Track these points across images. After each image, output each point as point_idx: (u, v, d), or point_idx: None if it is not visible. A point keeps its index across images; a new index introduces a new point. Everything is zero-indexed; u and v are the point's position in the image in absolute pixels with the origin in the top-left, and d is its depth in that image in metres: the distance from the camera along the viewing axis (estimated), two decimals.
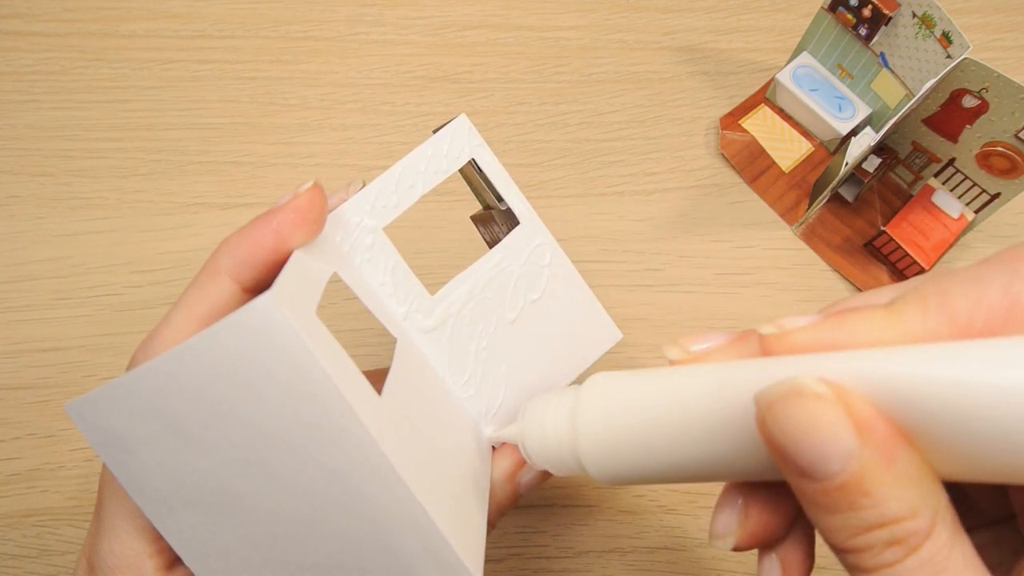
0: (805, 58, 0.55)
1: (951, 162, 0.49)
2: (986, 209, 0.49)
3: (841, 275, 0.51)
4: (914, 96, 0.46)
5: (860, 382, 0.19)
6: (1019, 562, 0.21)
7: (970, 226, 0.50)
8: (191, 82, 0.55)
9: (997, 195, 0.48)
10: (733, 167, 0.54)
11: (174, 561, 0.26)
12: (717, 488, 0.44)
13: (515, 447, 0.32)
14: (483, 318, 0.31)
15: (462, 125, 0.30)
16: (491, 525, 0.30)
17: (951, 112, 0.47)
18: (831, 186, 0.49)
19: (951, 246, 0.50)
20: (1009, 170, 0.46)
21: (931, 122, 0.49)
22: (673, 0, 0.61)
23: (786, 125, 0.56)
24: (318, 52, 0.57)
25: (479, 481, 0.29)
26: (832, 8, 0.51)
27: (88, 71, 0.55)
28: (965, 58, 0.44)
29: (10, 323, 0.47)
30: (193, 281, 0.27)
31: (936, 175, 0.51)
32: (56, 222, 0.50)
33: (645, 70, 0.58)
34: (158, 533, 0.25)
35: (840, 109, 0.54)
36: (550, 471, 0.28)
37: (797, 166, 0.54)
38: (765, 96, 0.57)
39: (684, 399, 0.23)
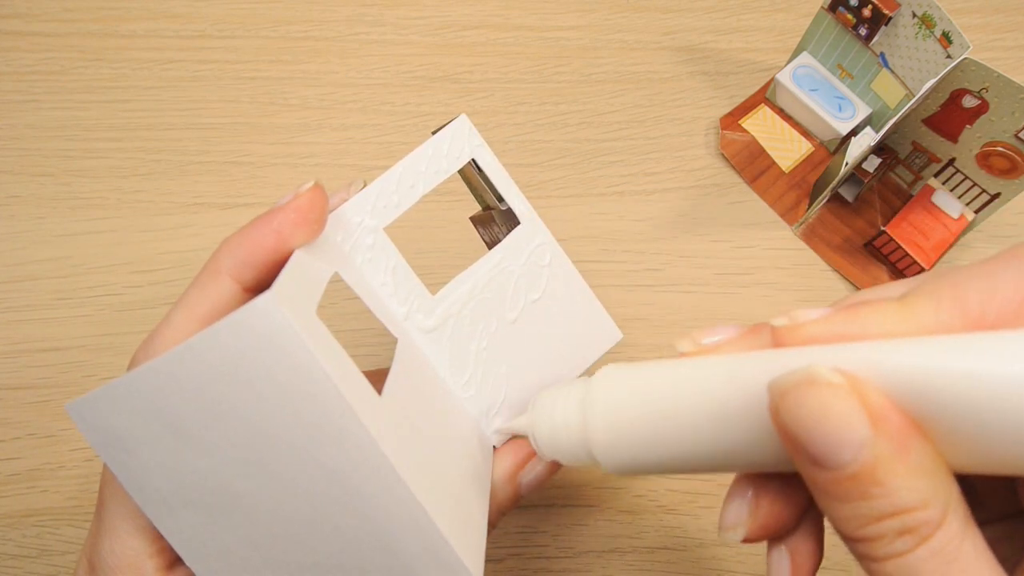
0: (805, 58, 0.55)
1: (951, 162, 0.49)
2: (986, 209, 0.49)
3: (841, 275, 0.51)
4: (914, 96, 0.46)
5: (873, 373, 0.19)
6: None
7: (970, 226, 0.50)
8: (191, 82, 0.55)
9: (997, 195, 0.48)
10: (733, 167, 0.54)
11: (175, 561, 0.26)
12: (718, 488, 0.44)
13: (516, 447, 0.32)
14: (484, 318, 0.31)
15: (462, 125, 0.30)
16: (492, 525, 0.30)
17: (951, 112, 0.47)
18: (831, 186, 0.49)
19: (951, 246, 0.50)
20: (1009, 170, 0.46)
21: (931, 122, 0.49)
22: (673, 0, 0.61)
23: (786, 125, 0.56)
24: (318, 52, 0.57)
25: (480, 481, 0.29)
26: (832, 8, 0.51)
27: (88, 71, 0.55)
28: (965, 58, 0.44)
29: (10, 323, 0.47)
30: (194, 281, 0.27)
31: (936, 175, 0.51)
32: (56, 222, 0.50)
33: (645, 70, 0.58)
34: (159, 533, 0.25)
35: (840, 109, 0.54)
36: (560, 462, 0.28)
37: (797, 166, 0.54)
38: (765, 96, 0.57)
39: (696, 389, 0.23)
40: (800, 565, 0.24)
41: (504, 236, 0.31)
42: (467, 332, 0.31)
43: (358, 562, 0.24)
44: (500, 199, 0.31)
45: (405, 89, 0.56)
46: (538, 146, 0.54)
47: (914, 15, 0.47)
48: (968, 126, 0.47)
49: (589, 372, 0.29)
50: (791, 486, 0.24)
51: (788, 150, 0.55)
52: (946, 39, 0.45)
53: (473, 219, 0.37)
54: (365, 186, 0.29)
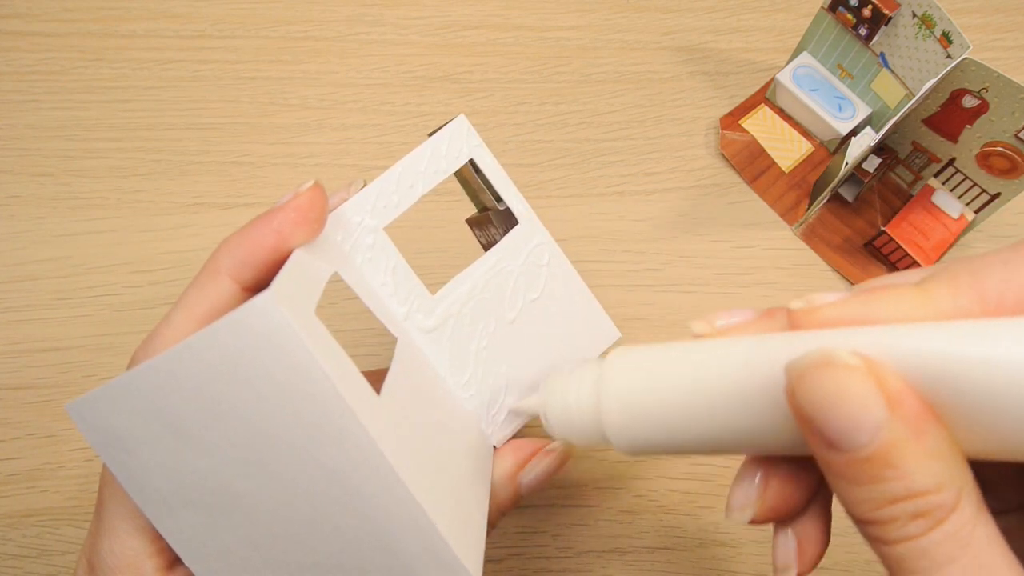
0: (805, 58, 0.55)
1: (951, 162, 0.49)
2: (986, 209, 0.49)
3: (841, 275, 0.51)
4: (914, 96, 0.46)
5: (890, 356, 0.19)
6: None
7: (970, 226, 0.50)
8: (191, 82, 0.55)
9: (997, 195, 0.48)
10: (733, 167, 0.54)
11: (174, 561, 0.26)
12: (718, 488, 0.44)
13: (516, 447, 0.32)
14: (483, 318, 0.31)
15: (461, 125, 0.30)
16: (491, 525, 0.30)
17: (951, 112, 0.47)
18: (831, 186, 0.49)
19: (951, 246, 0.50)
20: (1009, 170, 0.46)
21: (931, 122, 0.49)
22: (673, 0, 0.61)
23: (786, 125, 0.56)
24: (318, 52, 0.57)
25: (480, 481, 0.29)
26: (832, 8, 0.51)
27: (88, 71, 0.55)
28: (965, 58, 0.44)
29: (10, 323, 0.47)
30: (193, 281, 0.27)
31: (936, 175, 0.51)
32: (56, 222, 0.50)
33: (645, 70, 0.58)
34: (158, 533, 0.25)
35: (840, 109, 0.54)
36: (570, 442, 0.28)
37: (797, 166, 0.54)
38: (765, 96, 0.57)
39: (711, 370, 0.23)
40: (806, 549, 0.24)
41: (501, 237, 0.31)
42: (467, 332, 0.31)
43: (358, 562, 0.24)
44: (498, 199, 0.31)
45: (405, 89, 0.56)
46: (538, 146, 0.54)
47: (914, 15, 0.47)
48: (968, 126, 0.47)
49: None
50: (800, 469, 0.24)
51: (788, 150, 0.55)
52: (946, 39, 0.45)
53: (469, 221, 0.37)
54: (365, 186, 0.29)
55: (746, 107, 0.56)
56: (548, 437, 0.32)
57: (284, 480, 0.23)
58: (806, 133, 0.56)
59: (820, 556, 0.24)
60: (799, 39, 0.55)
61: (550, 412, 0.28)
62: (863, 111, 0.54)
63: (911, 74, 0.49)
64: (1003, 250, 0.20)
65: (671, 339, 0.25)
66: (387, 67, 0.57)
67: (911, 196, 0.52)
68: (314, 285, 0.25)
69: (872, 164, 0.51)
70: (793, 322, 0.22)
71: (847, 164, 0.48)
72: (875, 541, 0.19)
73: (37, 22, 0.57)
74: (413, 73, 0.57)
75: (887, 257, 0.51)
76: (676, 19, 0.60)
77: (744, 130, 0.55)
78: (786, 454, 0.23)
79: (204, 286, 0.26)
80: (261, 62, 0.57)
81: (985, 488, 0.19)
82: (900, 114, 0.45)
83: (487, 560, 0.41)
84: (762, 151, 0.55)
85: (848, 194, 0.53)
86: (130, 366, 0.26)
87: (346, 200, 0.29)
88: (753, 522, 0.24)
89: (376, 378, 0.25)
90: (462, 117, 0.30)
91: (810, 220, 0.52)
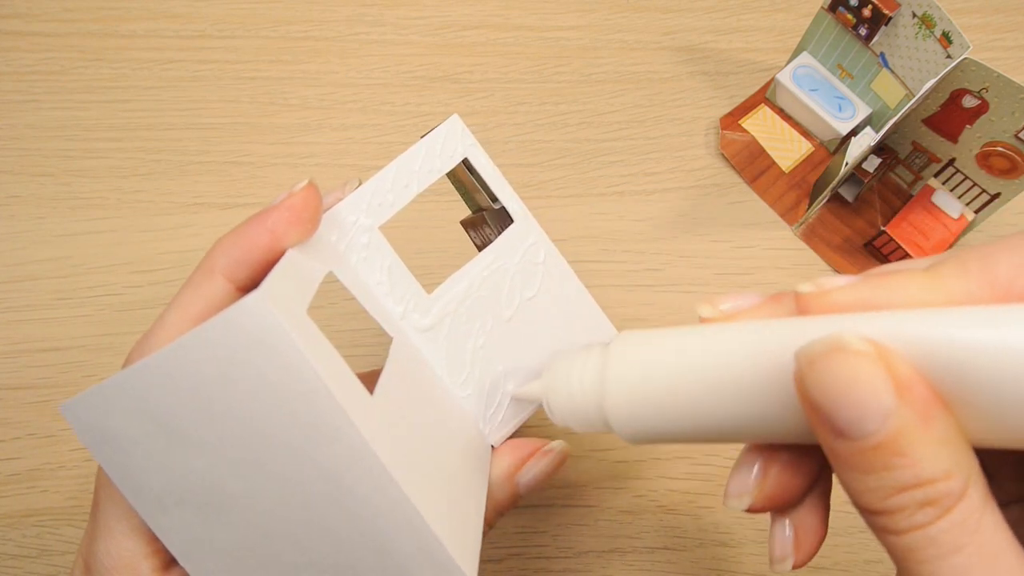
0: (805, 58, 0.55)
1: (951, 162, 0.49)
2: (986, 209, 0.49)
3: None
4: (914, 96, 0.46)
5: (899, 342, 0.19)
6: None
7: (970, 226, 0.50)
8: (191, 82, 0.56)
9: (997, 195, 0.48)
10: (733, 167, 0.54)
11: (170, 562, 0.26)
12: (718, 488, 0.44)
13: (514, 447, 0.32)
14: (480, 316, 0.31)
15: (455, 125, 0.30)
16: (489, 525, 0.30)
17: (951, 112, 0.47)
18: (831, 186, 0.49)
19: (951, 246, 0.50)
20: (1009, 170, 0.46)
21: (931, 122, 0.49)
22: (673, 0, 0.61)
23: (786, 125, 0.56)
24: (318, 52, 0.57)
25: (477, 480, 0.29)
26: (832, 8, 0.51)
27: (88, 71, 0.55)
28: (965, 58, 0.43)
29: (10, 323, 0.47)
30: (187, 281, 0.27)
31: (936, 175, 0.51)
32: (56, 222, 0.50)
33: (645, 70, 0.58)
34: (154, 533, 0.25)
35: (840, 109, 0.54)
36: (573, 428, 0.28)
37: (797, 166, 0.54)
38: (765, 96, 0.57)
39: (716, 357, 0.22)
40: (803, 540, 0.24)
41: (496, 237, 0.31)
42: (463, 330, 0.31)
43: (352, 562, 0.24)
44: (493, 198, 0.31)
45: (405, 89, 0.56)
46: (538, 146, 0.54)
47: (914, 15, 0.46)
48: (968, 126, 0.47)
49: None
50: (800, 458, 0.24)
51: (788, 150, 0.55)
52: (946, 39, 0.45)
53: (464, 223, 0.37)
54: (360, 185, 0.29)
55: (746, 107, 0.56)
56: (547, 437, 0.32)
57: (278, 480, 0.23)
58: (806, 133, 0.56)
59: (817, 547, 0.24)
60: (799, 39, 0.55)
61: (552, 398, 0.28)
62: (863, 111, 0.53)
63: (911, 74, 0.49)
64: (1013, 236, 0.20)
65: (705, 297, 0.25)
66: (387, 67, 0.57)
67: (911, 196, 0.52)
68: (307, 284, 0.25)
69: (872, 164, 0.51)
70: (802, 306, 0.22)
71: (847, 164, 0.48)
72: (882, 531, 0.19)
73: (37, 22, 0.57)
74: (413, 73, 0.57)
75: (887, 257, 0.50)
76: (676, 19, 0.60)
77: (744, 130, 0.55)
78: (790, 442, 0.23)
79: (198, 286, 0.26)
80: (261, 62, 0.57)
81: (987, 479, 0.19)
82: (900, 114, 0.45)
83: (487, 560, 0.41)
84: (762, 151, 0.54)
85: (848, 194, 0.53)
86: (125, 365, 0.26)
87: (341, 199, 0.29)
88: (750, 510, 0.24)
89: (373, 378, 0.25)
90: (455, 117, 0.30)
91: (810, 220, 0.52)
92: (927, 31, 0.46)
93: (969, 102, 0.46)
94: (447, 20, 0.59)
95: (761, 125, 0.56)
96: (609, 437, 0.45)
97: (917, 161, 0.51)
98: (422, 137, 0.30)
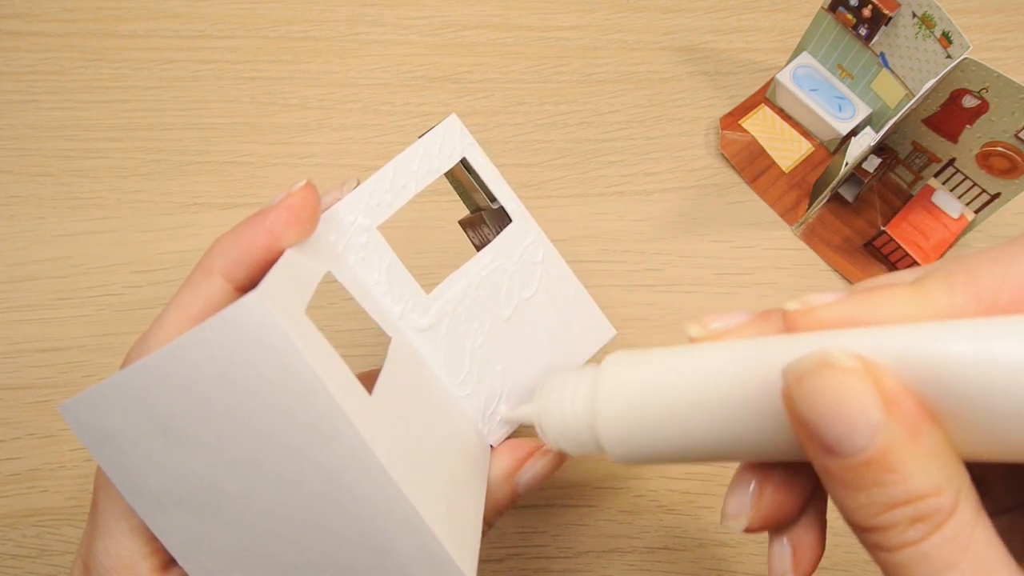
0: (805, 58, 0.55)
1: (951, 162, 0.49)
2: (986, 209, 0.49)
3: (841, 275, 0.51)
4: (914, 96, 0.46)
5: (886, 357, 0.19)
6: None
7: (970, 226, 0.50)
8: (191, 82, 0.56)
9: (997, 195, 0.48)
10: (733, 167, 0.54)
11: (169, 562, 0.26)
12: (718, 488, 0.44)
13: (514, 446, 0.32)
14: (478, 316, 0.31)
15: (453, 124, 0.30)
16: (489, 524, 0.30)
17: (951, 112, 0.47)
18: (831, 186, 0.49)
19: (951, 246, 0.50)
20: (1009, 170, 0.46)
21: (931, 122, 0.49)
22: (673, 0, 0.61)
23: (786, 125, 0.56)
24: (318, 52, 0.57)
25: (476, 480, 0.29)
26: (832, 8, 0.51)
27: (88, 71, 0.56)
28: (965, 58, 0.43)
29: (10, 323, 0.47)
30: (186, 281, 0.27)
31: (936, 175, 0.51)
32: (56, 222, 0.50)
33: (645, 70, 0.58)
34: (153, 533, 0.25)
35: (840, 109, 0.54)
36: (566, 451, 0.28)
37: (797, 166, 0.54)
38: (765, 96, 0.57)
39: (705, 375, 0.22)
40: (802, 557, 0.24)
41: (494, 237, 0.31)
42: (462, 330, 0.31)
43: (351, 562, 0.24)
44: (491, 198, 0.31)
45: (405, 89, 0.56)
46: (538, 146, 0.54)
47: (914, 15, 0.46)
48: (968, 126, 0.47)
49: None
50: (795, 476, 0.24)
51: (788, 150, 0.55)
52: (946, 39, 0.45)
53: (462, 223, 0.37)
54: (358, 185, 0.29)
55: (746, 107, 0.56)
56: None
57: (277, 480, 0.23)
58: (806, 133, 0.56)
59: (815, 564, 0.24)
60: (799, 39, 0.55)
61: (545, 420, 0.28)
62: (863, 111, 0.53)
63: (911, 74, 0.49)
64: (999, 247, 0.20)
65: (670, 340, 0.25)
66: (387, 67, 0.57)
67: (911, 196, 0.52)
68: (305, 284, 0.25)
69: (872, 164, 0.51)
70: (789, 323, 0.22)
71: (847, 164, 0.48)
72: (875, 548, 0.19)
73: (37, 22, 0.57)
74: (413, 73, 0.57)
75: (887, 257, 0.50)
76: (676, 19, 0.60)
77: (744, 130, 0.55)
78: (782, 460, 0.23)
79: (197, 286, 0.26)
80: (261, 62, 0.57)
81: (978, 491, 0.19)
82: (900, 114, 0.45)
83: (487, 560, 0.41)
84: (762, 151, 0.54)
85: (848, 194, 0.53)
86: (124, 365, 0.26)
87: (339, 199, 0.29)
88: (748, 530, 0.24)
89: (372, 378, 0.25)
90: (454, 116, 0.30)
91: (810, 220, 0.52)
92: (927, 31, 0.46)
93: (969, 102, 0.46)
94: (447, 20, 0.59)
95: (761, 125, 0.55)
96: None
97: (917, 161, 0.51)
98: (420, 137, 0.30)
